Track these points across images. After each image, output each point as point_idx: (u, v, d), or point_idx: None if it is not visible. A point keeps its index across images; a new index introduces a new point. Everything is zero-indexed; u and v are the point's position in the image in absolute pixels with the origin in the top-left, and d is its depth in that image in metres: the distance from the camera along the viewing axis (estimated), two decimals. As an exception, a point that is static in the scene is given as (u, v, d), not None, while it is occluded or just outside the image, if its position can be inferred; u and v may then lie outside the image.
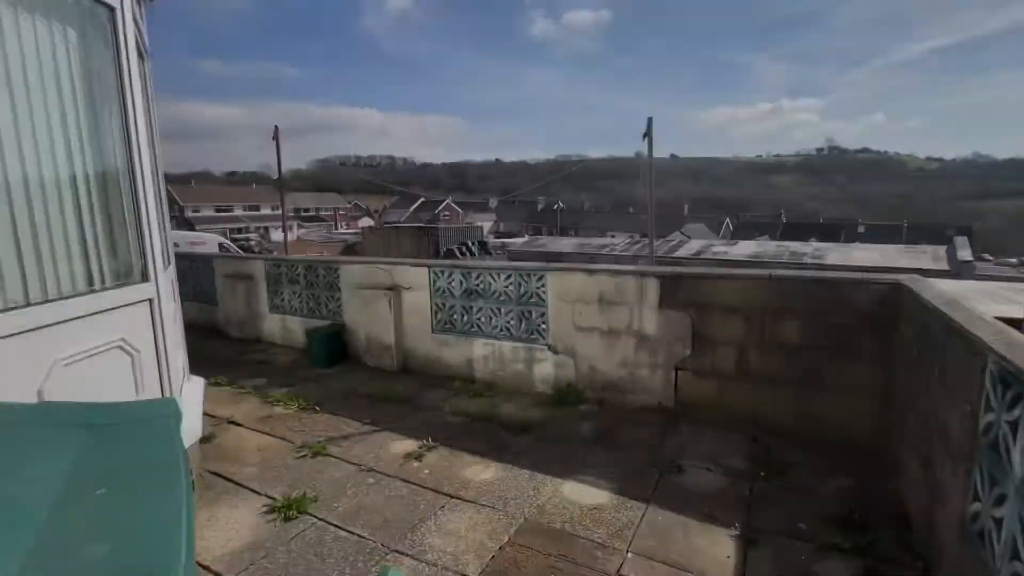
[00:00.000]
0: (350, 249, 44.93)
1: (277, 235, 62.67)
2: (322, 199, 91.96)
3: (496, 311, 5.64)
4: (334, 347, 6.67)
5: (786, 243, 26.55)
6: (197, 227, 53.83)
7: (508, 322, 5.58)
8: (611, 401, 5.05)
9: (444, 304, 6.00)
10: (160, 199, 4.19)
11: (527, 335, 5.49)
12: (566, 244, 36.11)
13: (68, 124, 2.70)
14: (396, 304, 6.25)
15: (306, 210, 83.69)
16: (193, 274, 8.88)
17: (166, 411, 1.51)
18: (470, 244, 42.98)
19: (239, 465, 3.95)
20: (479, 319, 5.77)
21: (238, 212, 68.24)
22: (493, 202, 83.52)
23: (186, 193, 66.96)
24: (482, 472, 3.78)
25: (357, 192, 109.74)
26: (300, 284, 7.32)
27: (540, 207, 74.44)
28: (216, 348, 7.58)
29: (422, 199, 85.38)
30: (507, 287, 5.52)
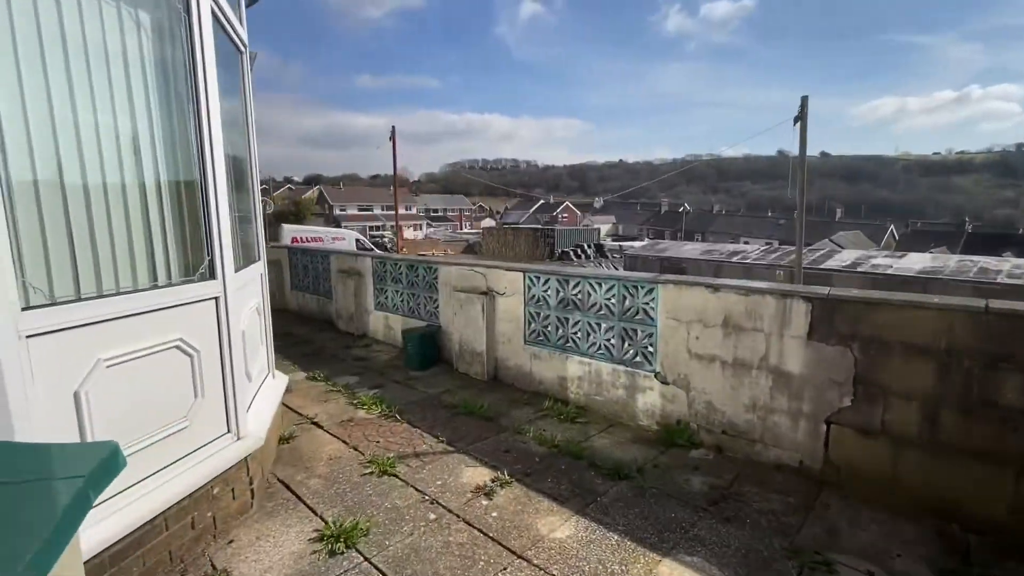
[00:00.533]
0: (470, 248, 46.60)
1: (409, 233, 67.45)
2: (450, 200, 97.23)
3: (594, 326, 4.91)
4: (428, 349, 6.44)
5: (972, 257, 21.64)
6: (342, 224, 59.89)
7: (608, 340, 4.82)
8: (733, 450, 4.06)
9: (538, 314, 5.41)
10: (254, 195, 4.17)
11: (630, 357, 4.68)
12: (690, 249, 33.61)
13: (136, 111, 2.60)
14: (489, 310, 5.81)
15: (435, 210, 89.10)
16: (313, 268, 9.40)
17: (80, 469, 1.11)
18: (586, 247, 42.10)
19: (306, 475, 3.75)
20: (575, 333, 5.08)
21: (377, 211, 74.64)
22: (599, 202, 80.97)
23: (335, 194, 75.17)
24: (559, 526, 3.12)
25: (482, 194, 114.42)
26: (402, 283, 7.26)
27: (663, 209, 70.76)
28: (325, 340, 7.84)
29: (541, 201, 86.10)
30: (608, 299, 4.77)
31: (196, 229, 2.93)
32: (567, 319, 5.14)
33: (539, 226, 47.46)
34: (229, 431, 3.19)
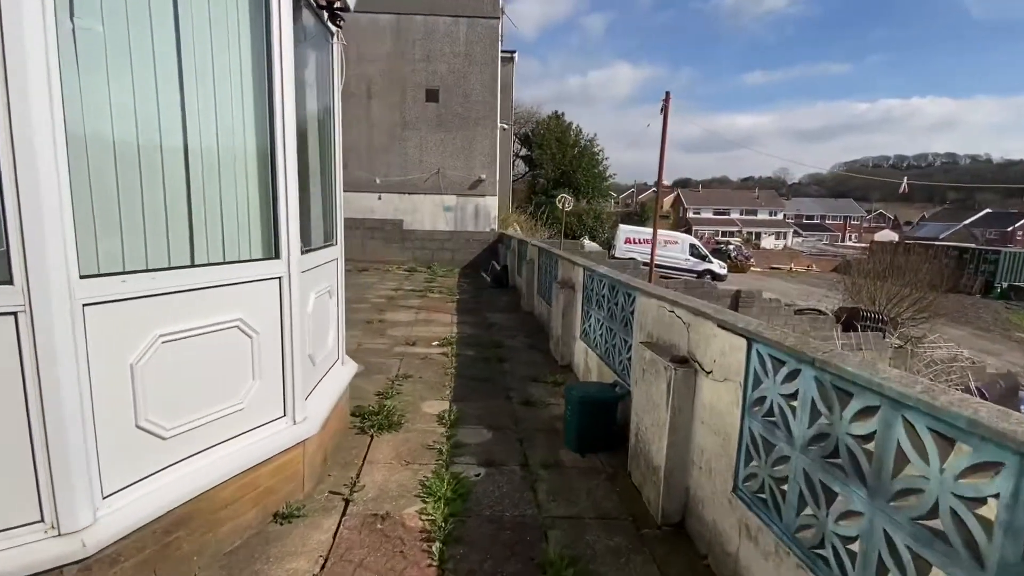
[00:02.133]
0: (846, 266, 36.36)
1: (768, 242, 58.71)
2: (832, 206, 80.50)
3: (909, 541, 1.57)
4: (595, 423, 4.00)
5: None
6: (693, 228, 57.11)
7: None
8: None
9: (767, 442, 2.31)
10: (333, 176, 2.90)
11: None
12: None
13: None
14: (681, 395, 2.97)
15: (809, 217, 75.11)
16: (548, 272, 7.99)
17: None
18: (1064, 283, 26.33)
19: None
20: (843, 530, 1.82)
21: (734, 216, 68.29)
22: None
23: (692, 197, 72.71)
24: None
25: (885, 199, 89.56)
26: (603, 311, 4.96)
27: None
28: (520, 364, 6.29)
29: (987, 210, 60.24)
30: (951, 487, 1.37)
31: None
32: (830, 489, 1.92)
33: (968, 245, 32.85)
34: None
